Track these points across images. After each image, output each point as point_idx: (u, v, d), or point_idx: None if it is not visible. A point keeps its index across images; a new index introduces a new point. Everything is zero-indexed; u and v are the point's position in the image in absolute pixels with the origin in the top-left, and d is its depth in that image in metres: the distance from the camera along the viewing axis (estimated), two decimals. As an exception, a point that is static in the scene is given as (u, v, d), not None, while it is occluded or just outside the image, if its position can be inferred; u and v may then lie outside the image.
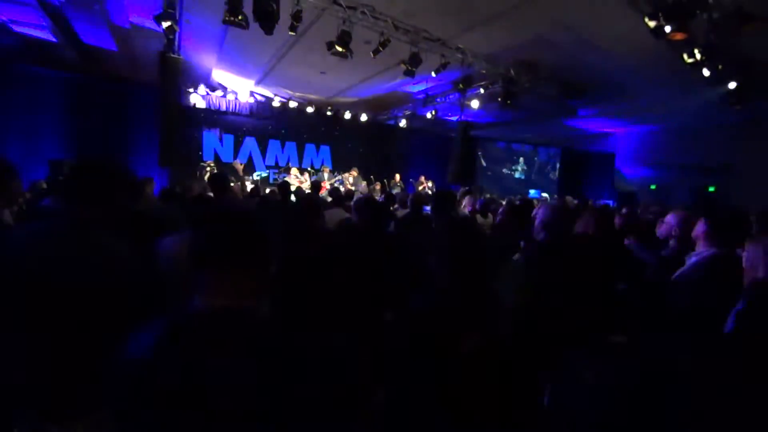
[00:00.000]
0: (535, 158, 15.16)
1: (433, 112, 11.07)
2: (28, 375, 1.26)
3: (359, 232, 3.01)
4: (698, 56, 5.45)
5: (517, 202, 4.44)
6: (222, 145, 12.14)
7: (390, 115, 13.40)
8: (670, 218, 2.81)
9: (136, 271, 1.39)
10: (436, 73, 7.43)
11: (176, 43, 6.48)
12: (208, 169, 9.99)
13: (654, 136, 13.15)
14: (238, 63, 8.92)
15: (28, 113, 9.07)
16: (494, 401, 1.43)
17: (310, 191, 7.98)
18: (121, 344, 0.85)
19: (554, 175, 15.00)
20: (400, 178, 12.32)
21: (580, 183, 14.21)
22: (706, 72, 5.76)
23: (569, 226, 2.49)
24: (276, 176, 12.46)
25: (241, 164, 10.94)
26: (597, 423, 0.74)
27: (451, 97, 10.33)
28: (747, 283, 1.51)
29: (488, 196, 8.99)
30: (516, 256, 2.29)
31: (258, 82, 10.45)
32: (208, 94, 10.64)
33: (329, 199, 6.01)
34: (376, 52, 6.46)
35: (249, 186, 8.68)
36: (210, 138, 11.93)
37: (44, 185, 6.10)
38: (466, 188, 8.49)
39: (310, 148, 13.80)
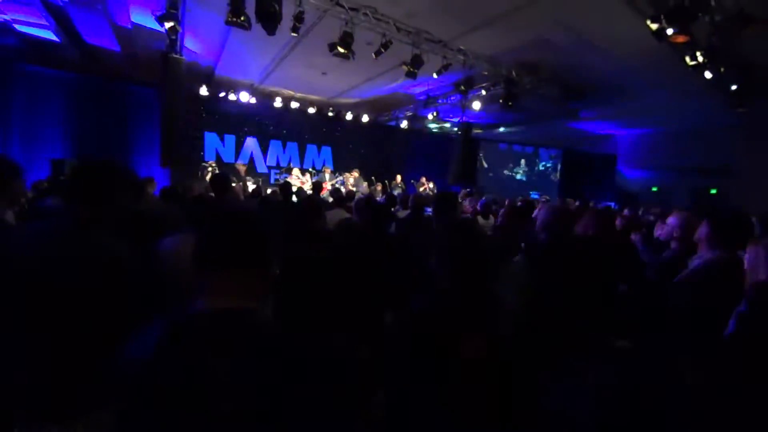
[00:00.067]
0: (537, 160, 15.14)
1: (435, 114, 11.08)
2: (29, 374, 1.27)
3: (359, 232, 3.01)
4: (700, 59, 5.45)
5: (519, 203, 4.44)
6: (223, 145, 12.16)
7: (391, 116, 13.41)
8: (672, 220, 2.80)
9: (137, 271, 1.39)
10: (437, 74, 7.44)
11: (179, 43, 6.50)
12: (210, 169, 10.01)
13: (655, 138, 13.15)
14: (240, 63, 8.94)
15: (30, 113, 9.10)
16: (495, 402, 1.43)
17: (311, 192, 7.98)
18: (122, 344, 0.85)
19: (555, 177, 14.99)
20: (401, 179, 12.32)
21: (582, 185, 14.19)
22: (708, 74, 5.75)
23: (570, 227, 2.49)
24: (277, 177, 12.49)
25: (243, 165, 10.98)
26: (597, 423, 0.74)
27: (452, 98, 10.34)
28: (748, 285, 1.50)
29: (488, 195, 8.98)
30: (517, 258, 2.29)
31: (260, 83, 10.46)
32: (210, 94, 10.67)
33: (330, 199, 6.01)
34: (377, 53, 6.47)
35: (251, 186, 8.70)
36: (211, 138, 11.95)
37: (46, 185, 6.11)
38: (467, 190, 8.49)
39: (311, 148, 13.81)
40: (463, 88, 8.61)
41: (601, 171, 14.18)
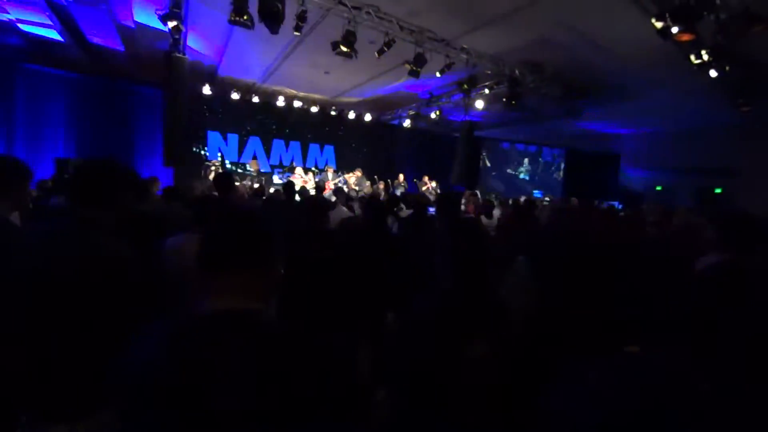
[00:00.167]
0: (540, 159, 15.10)
1: (438, 113, 11.05)
2: (31, 375, 1.27)
3: (361, 231, 3.01)
4: (705, 57, 5.42)
5: (522, 203, 4.43)
6: (226, 144, 12.19)
7: (394, 115, 13.39)
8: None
9: (138, 271, 1.40)
10: (440, 73, 7.41)
11: (182, 42, 6.51)
12: (213, 168, 10.02)
13: (660, 138, 13.07)
14: (243, 62, 8.95)
15: (34, 112, 9.15)
16: (496, 403, 1.42)
17: (314, 191, 7.99)
18: (125, 344, 0.85)
19: (559, 176, 14.95)
20: (404, 178, 12.31)
21: (585, 184, 14.15)
22: (713, 73, 5.72)
23: (573, 227, 2.48)
24: (280, 176, 12.51)
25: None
26: (598, 424, 0.74)
27: (455, 97, 10.32)
28: None
29: (493, 195, 8.97)
30: (520, 258, 2.28)
31: (263, 82, 10.47)
32: (213, 93, 10.69)
33: (333, 198, 6.01)
34: (380, 52, 6.46)
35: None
36: (214, 137, 11.98)
37: (50, 184, 6.14)
38: (471, 192, 8.48)
39: (314, 147, 13.82)
40: (466, 87, 8.58)
41: (604, 170, 14.13)
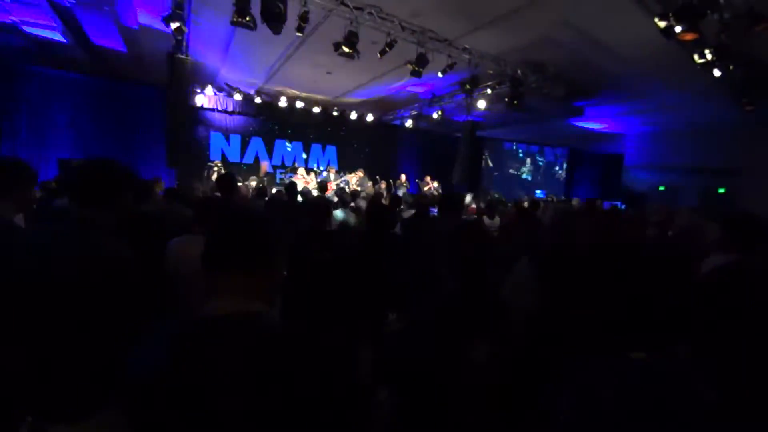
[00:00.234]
0: (542, 159, 15.07)
1: (440, 113, 11.05)
2: (32, 375, 1.27)
3: (362, 232, 3.01)
4: (709, 57, 5.39)
5: (524, 203, 4.42)
6: (229, 144, 12.22)
7: (396, 115, 13.39)
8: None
9: (138, 272, 1.40)
10: (442, 73, 7.41)
11: (184, 43, 6.53)
12: (216, 169, 10.04)
13: (663, 138, 13.03)
14: (245, 63, 8.97)
15: (38, 113, 9.19)
16: (497, 404, 1.42)
17: (317, 192, 8.00)
18: (130, 346, 0.85)
19: (561, 176, 14.91)
20: (406, 179, 12.31)
21: (588, 184, 14.11)
22: (716, 73, 5.68)
23: (575, 228, 2.47)
24: (282, 176, 12.53)
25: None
26: (598, 426, 0.73)
27: (457, 97, 10.31)
28: None
29: (495, 196, 8.96)
30: (523, 259, 2.28)
31: (265, 82, 10.49)
32: (215, 94, 10.70)
33: (335, 199, 6.02)
34: (382, 52, 6.45)
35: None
36: (217, 138, 12.01)
37: (54, 185, 6.17)
38: (474, 194, 8.46)
39: (316, 148, 13.84)
40: (468, 87, 8.57)
41: (607, 170, 14.09)
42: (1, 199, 1.66)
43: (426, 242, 2.88)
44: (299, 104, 11.94)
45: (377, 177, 12.27)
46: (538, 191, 14.31)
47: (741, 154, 10.74)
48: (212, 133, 11.88)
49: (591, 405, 0.76)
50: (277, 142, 13.07)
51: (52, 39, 7.43)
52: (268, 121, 12.65)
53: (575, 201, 10.21)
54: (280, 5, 5.02)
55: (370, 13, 5.98)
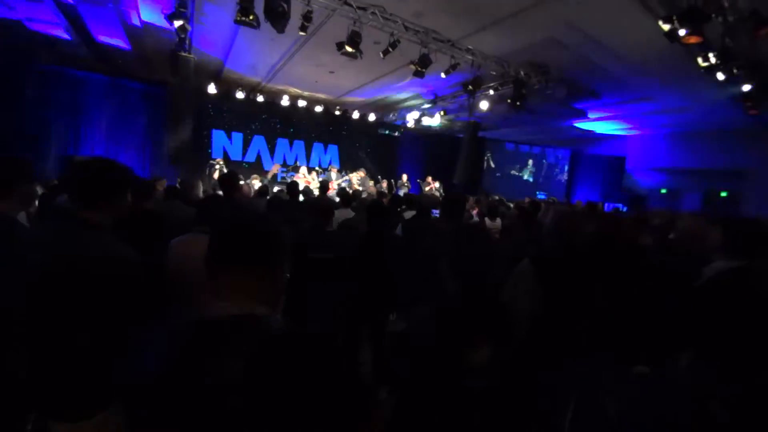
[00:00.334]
0: (544, 160, 15.04)
1: (442, 113, 11.04)
2: (35, 375, 1.28)
3: (364, 233, 3.01)
4: (713, 60, 5.38)
5: (526, 204, 4.42)
6: (231, 143, 12.24)
7: (398, 115, 13.38)
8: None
9: (140, 271, 1.40)
10: (445, 74, 7.41)
11: (188, 41, 6.55)
12: (218, 167, 10.04)
13: (665, 140, 13.01)
14: (248, 62, 8.98)
15: (41, 110, 9.20)
16: (498, 407, 1.42)
17: (319, 192, 8.00)
18: (130, 346, 0.86)
19: (563, 178, 14.88)
20: (407, 178, 12.30)
21: (590, 186, 14.08)
22: (720, 76, 5.68)
23: (577, 231, 2.47)
24: (284, 175, 12.53)
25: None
26: (598, 427, 0.73)
27: (460, 98, 10.30)
28: None
29: (496, 198, 8.94)
30: (524, 261, 2.27)
31: (267, 81, 10.50)
32: (217, 92, 10.69)
33: (337, 199, 6.01)
34: (385, 52, 6.46)
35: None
36: (219, 136, 12.03)
37: (56, 182, 6.18)
38: (477, 197, 8.44)
39: (318, 147, 13.84)
40: (470, 87, 8.57)
41: (609, 172, 14.06)
42: (3, 196, 1.65)
43: (427, 243, 2.88)
44: (301, 103, 11.95)
45: (379, 177, 12.26)
46: (539, 193, 14.29)
47: (744, 157, 10.71)
48: (214, 131, 11.90)
49: (594, 414, 0.76)
50: (279, 140, 13.07)
51: (57, 36, 7.45)
52: (270, 120, 12.65)
53: (577, 203, 10.19)
54: (284, 4, 5.03)
55: (374, 13, 5.98)
